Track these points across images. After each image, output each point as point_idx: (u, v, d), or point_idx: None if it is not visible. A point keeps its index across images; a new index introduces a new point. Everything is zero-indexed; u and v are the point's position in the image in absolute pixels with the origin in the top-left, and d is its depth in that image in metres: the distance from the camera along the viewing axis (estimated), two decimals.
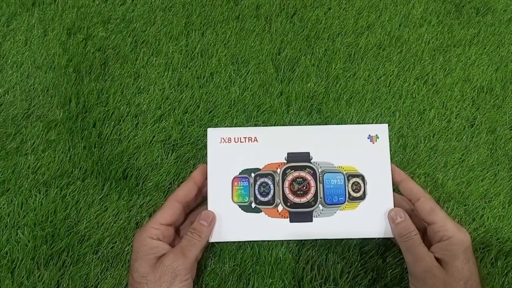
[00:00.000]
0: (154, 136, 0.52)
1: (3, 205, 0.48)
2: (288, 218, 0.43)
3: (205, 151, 0.51)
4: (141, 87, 0.55)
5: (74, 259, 0.46)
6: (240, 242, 0.47)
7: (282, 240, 0.47)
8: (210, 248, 0.47)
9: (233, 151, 0.44)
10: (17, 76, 0.55)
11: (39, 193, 0.49)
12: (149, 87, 0.55)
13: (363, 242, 0.48)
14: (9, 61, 0.56)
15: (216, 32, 0.59)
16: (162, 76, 0.56)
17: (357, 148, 0.44)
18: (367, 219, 0.43)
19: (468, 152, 0.53)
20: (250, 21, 0.59)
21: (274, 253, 0.47)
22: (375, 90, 0.56)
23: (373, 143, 0.44)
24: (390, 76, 0.57)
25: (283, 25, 0.60)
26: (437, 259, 0.39)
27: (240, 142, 0.44)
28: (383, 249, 0.47)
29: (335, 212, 0.43)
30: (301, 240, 0.47)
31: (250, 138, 0.44)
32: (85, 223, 0.48)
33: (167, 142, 0.52)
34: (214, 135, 0.44)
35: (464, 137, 0.54)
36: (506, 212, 0.50)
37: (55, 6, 0.60)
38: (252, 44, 0.58)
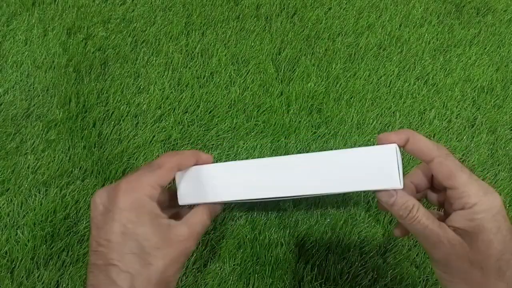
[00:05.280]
0: (154, 136, 0.52)
1: (2, 205, 0.48)
2: None
3: (205, 150, 0.51)
4: (141, 87, 0.55)
5: (74, 259, 0.46)
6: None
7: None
8: (210, 248, 0.47)
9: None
10: (17, 76, 0.55)
11: (39, 193, 0.48)
12: (149, 87, 0.55)
13: (363, 242, 0.47)
14: (9, 60, 0.56)
15: (216, 32, 0.59)
16: (162, 76, 0.56)
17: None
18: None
19: (468, 152, 0.53)
20: (250, 21, 0.59)
21: (274, 253, 0.47)
22: (375, 90, 0.56)
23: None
24: (391, 76, 0.57)
25: (283, 25, 0.59)
26: (459, 230, 0.31)
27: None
28: (383, 249, 0.47)
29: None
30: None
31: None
32: (84, 223, 0.47)
33: (167, 142, 0.52)
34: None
35: (464, 137, 0.54)
36: (507, 212, 0.50)
37: (55, 5, 0.60)
38: (252, 44, 0.58)
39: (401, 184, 0.32)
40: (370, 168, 0.32)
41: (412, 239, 0.48)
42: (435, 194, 0.37)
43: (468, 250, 0.30)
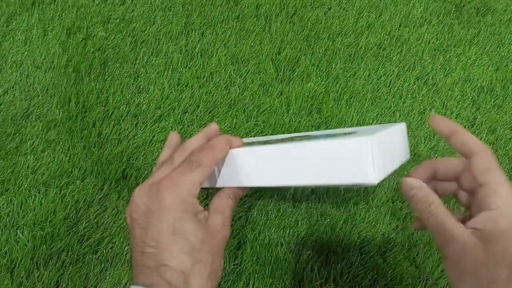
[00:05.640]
0: (153, 136, 0.52)
1: (2, 205, 0.48)
2: None
3: None
4: (141, 87, 0.55)
5: (74, 259, 0.46)
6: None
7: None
8: None
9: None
10: (16, 76, 0.55)
11: (39, 193, 0.48)
12: (149, 87, 0.55)
13: (363, 242, 0.47)
14: (9, 60, 0.56)
15: (216, 32, 0.59)
16: (162, 76, 0.56)
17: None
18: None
19: None
20: (250, 21, 0.59)
21: (274, 253, 0.47)
22: (375, 90, 0.56)
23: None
24: (390, 76, 0.57)
25: (283, 25, 0.59)
26: (478, 231, 0.29)
27: None
28: (383, 249, 0.47)
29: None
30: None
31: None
32: (84, 223, 0.47)
33: None
34: None
35: None
36: None
37: (54, 6, 0.59)
38: (252, 44, 0.58)
39: (377, 179, 0.30)
40: (347, 160, 0.31)
41: (412, 239, 0.48)
42: (465, 194, 0.36)
43: (481, 255, 0.29)
